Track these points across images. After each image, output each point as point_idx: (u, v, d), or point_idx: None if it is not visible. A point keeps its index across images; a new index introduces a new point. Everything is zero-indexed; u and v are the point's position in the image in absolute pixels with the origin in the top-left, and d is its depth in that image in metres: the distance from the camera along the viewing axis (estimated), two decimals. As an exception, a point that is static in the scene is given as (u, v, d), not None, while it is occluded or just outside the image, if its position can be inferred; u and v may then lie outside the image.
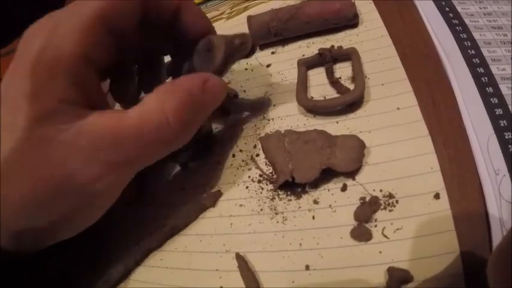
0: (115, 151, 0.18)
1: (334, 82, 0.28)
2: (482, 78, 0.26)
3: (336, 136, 0.25)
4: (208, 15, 0.40)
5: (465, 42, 0.29)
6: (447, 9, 0.32)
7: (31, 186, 0.17)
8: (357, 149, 0.24)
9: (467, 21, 0.30)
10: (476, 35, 0.29)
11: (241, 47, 0.25)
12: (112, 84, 0.26)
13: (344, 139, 0.24)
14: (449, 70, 0.27)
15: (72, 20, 0.18)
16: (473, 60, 0.27)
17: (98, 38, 0.19)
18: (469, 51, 0.28)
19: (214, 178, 0.27)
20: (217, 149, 0.28)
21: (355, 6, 0.30)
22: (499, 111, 0.24)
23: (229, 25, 0.39)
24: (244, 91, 0.31)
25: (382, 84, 0.27)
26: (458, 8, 0.32)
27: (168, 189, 0.28)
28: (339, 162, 0.23)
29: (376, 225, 0.21)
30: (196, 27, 0.24)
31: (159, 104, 0.19)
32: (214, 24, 0.40)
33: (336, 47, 0.30)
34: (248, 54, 0.26)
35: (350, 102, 0.26)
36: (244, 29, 0.35)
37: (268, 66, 0.32)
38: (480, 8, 0.31)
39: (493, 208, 0.20)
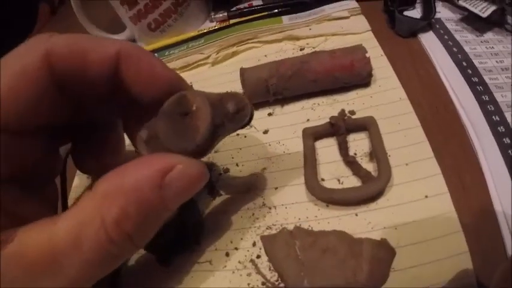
0: (54, 276, 0.15)
1: (350, 162, 0.23)
2: (510, 151, 0.24)
3: (359, 241, 0.20)
4: (190, 59, 0.35)
5: (488, 106, 0.26)
6: (464, 64, 0.30)
7: None
8: (386, 262, 0.19)
9: (486, 79, 0.28)
10: (498, 96, 0.27)
11: (235, 116, 0.18)
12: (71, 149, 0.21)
13: (371, 247, 0.20)
14: (475, 140, 0.25)
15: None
16: (499, 128, 0.25)
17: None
18: (494, 117, 0.26)
19: (203, 283, 0.21)
20: (206, 243, 0.23)
21: (371, 63, 0.27)
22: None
23: (215, 72, 0.34)
24: (237, 164, 0.26)
25: (406, 164, 0.24)
26: (476, 63, 0.30)
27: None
28: (367, 278, 0.19)
29: None
30: (150, 84, 0.18)
31: (97, 214, 0.15)
32: (197, 71, 0.36)
33: (347, 112, 0.26)
34: (243, 125, 0.19)
35: (373, 195, 0.21)
36: (234, 78, 0.31)
37: (265, 132, 0.27)
38: (497, 62, 0.29)
39: None
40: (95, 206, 0.15)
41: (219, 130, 0.17)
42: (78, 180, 0.30)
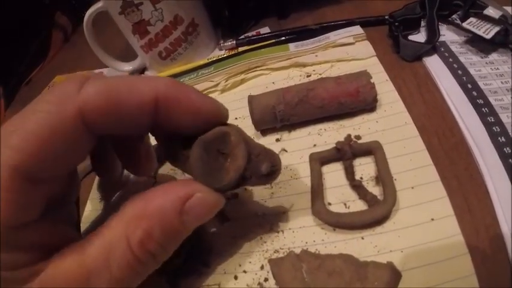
0: None
1: (357, 186, 0.25)
2: None
3: (365, 264, 0.22)
4: (200, 87, 0.38)
5: (494, 128, 0.28)
6: (469, 86, 0.31)
7: None
8: (392, 284, 0.21)
9: (492, 100, 0.30)
10: (503, 117, 0.28)
11: (264, 177, 0.20)
12: (94, 163, 0.24)
13: (376, 270, 0.21)
14: (481, 162, 0.26)
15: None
16: (505, 149, 0.26)
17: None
18: (499, 138, 0.27)
19: (211, 308, 0.23)
20: (215, 266, 0.25)
21: (375, 88, 0.29)
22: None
23: (225, 100, 0.36)
24: (245, 189, 0.28)
25: (412, 188, 0.25)
26: (481, 84, 0.31)
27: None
28: (372, 301, 0.20)
29: None
30: (190, 120, 0.19)
31: (124, 235, 0.17)
32: (207, 98, 0.38)
33: (353, 137, 0.28)
34: (268, 181, 0.22)
35: (379, 219, 0.23)
36: (242, 105, 0.33)
37: (273, 158, 0.29)
38: (502, 83, 0.31)
39: None
40: (122, 228, 0.17)
41: (245, 181, 0.20)
42: (91, 205, 0.32)
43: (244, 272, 0.24)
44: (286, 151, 0.30)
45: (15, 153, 0.15)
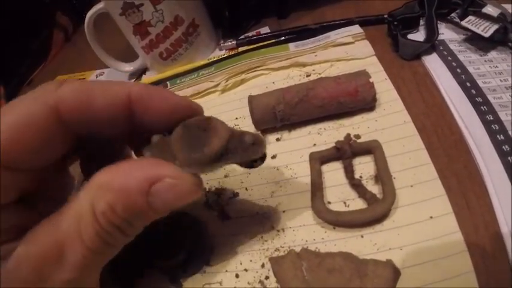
0: (60, 267, 0.16)
1: (356, 185, 0.25)
2: None
3: (365, 262, 0.22)
4: (200, 87, 0.38)
5: (493, 126, 0.28)
6: (468, 84, 0.31)
7: None
8: (391, 281, 0.21)
9: (490, 98, 0.30)
10: (502, 115, 0.28)
11: (250, 148, 0.20)
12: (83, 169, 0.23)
13: (376, 267, 0.21)
14: (480, 160, 0.26)
15: None
16: (503, 147, 0.26)
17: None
18: (498, 136, 0.27)
19: (212, 305, 0.24)
20: (216, 264, 0.25)
21: (374, 87, 0.29)
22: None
23: (225, 100, 0.37)
24: (246, 189, 0.29)
25: (411, 186, 0.25)
26: (479, 83, 0.31)
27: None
28: (372, 298, 0.20)
29: None
30: (165, 118, 0.20)
31: (89, 205, 0.17)
32: (207, 98, 0.39)
33: (352, 136, 0.28)
34: (255, 163, 0.21)
35: (378, 217, 0.23)
36: (242, 105, 0.34)
37: (273, 157, 0.30)
38: (501, 81, 0.31)
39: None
40: (89, 197, 0.17)
41: (230, 154, 0.19)
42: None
43: (245, 270, 0.24)
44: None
45: None
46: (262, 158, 0.22)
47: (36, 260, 0.16)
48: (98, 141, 0.21)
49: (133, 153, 0.25)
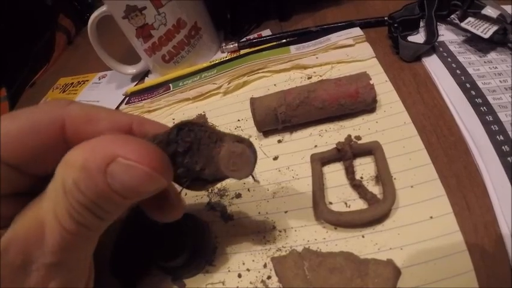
0: (41, 248, 0.16)
1: (357, 185, 0.26)
2: None
3: (366, 261, 0.22)
4: (203, 89, 0.39)
5: (492, 126, 0.28)
6: (468, 85, 0.32)
7: None
8: (392, 280, 0.21)
9: (490, 99, 0.30)
10: (502, 116, 0.29)
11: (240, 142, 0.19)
12: None
13: (377, 267, 0.22)
14: (480, 161, 0.26)
15: None
16: (503, 148, 0.27)
17: None
18: (498, 137, 0.27)
19: (215, 304, 0.24)
20: (218, 264, 0.26)
21: (375, 89, 0.29)
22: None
23: (227, 102, 0.37)
24: (248, 190, 0.29)
25: (412, 187, 0.26)
26: (479, 84, 0.32)
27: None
28: (372, 297, 0.21)
29: None
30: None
31: (60, 182, 0.16)
32: (210, 100, 0.39)
33: (353, 137, 0.29)
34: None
35: (379, 218, 0.24)
36: (244, 107, 0.34)
37: (275, 158, 0.30)
38: (501, 82, 0.31)
39: None
40: (60, 174, 0.16)
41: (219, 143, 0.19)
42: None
43: (248, 270, 0.25)
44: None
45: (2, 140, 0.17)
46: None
47: (21, 242, 0.16)
48: None
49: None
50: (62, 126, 0.18)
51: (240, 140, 0.19)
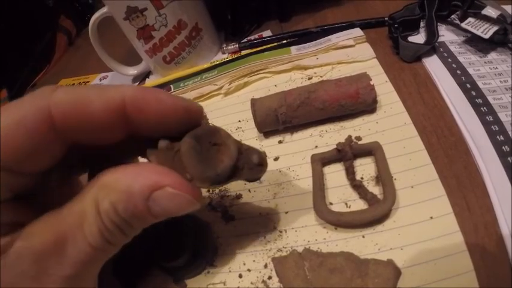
0: (61, 261, 0.17)
1: (357, 186, 0.26)
2: None
3: (366, 261, 0.23)
4: (204, 90, 0.39)
5: (492, 127, 0.28)
6: (468, 85, 0.32)
7: None
8: (392, 280, 0.22)
9: (490, 99, 0.30)
10: (502, 116, 0.29)
11: (255, 168, 0.21)
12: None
13: (377, 267, 0.22)
14: (480, 161, 0.26)
15: None
16: (503, 148, 0.27)
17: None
18: (498, 137, 0.28)
19: (216, 305, 0.24)
20: (220, 264, 0.26)
21: (375, 90, 0.29)
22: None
23: (228, 103, 0.38)
24: (249, 191, 0.29)
25: (412, 187, 0.26)
26: (480, 84, 0.32)
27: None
28: (373, 297, 0.21)
29: None
30: (163, 120, 0.19)
31: (94, 201, 0.17)
32: (211, 101, 0.40)
33: (353, 138, 0.29)
34: (256, 179, 0.22)
35: (379, 218, 0.24)
36: (245, 108, 0.34)
37: (276, 159, 0.31)
38: (501, 82, 0.32)
39: None
40: (94, 194, 0.17)
41: (237, 172, 0.20)
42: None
43: (249, 270, 0.25)
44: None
45: None
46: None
47: (37, 252, 0.17)
48: (97, 147, 0.21)
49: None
50: (49, 115, 0.17)
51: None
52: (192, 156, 0.18)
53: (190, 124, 0.20)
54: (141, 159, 0.25)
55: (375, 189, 0.26)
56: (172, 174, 0.18)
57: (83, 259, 0.17)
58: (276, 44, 0.42)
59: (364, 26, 0.40)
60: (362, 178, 0.27)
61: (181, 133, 0.19)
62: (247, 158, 0.20)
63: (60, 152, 0.19)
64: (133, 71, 0.47)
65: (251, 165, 0.20)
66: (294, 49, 0.39)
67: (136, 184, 0.17)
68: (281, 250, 0.25)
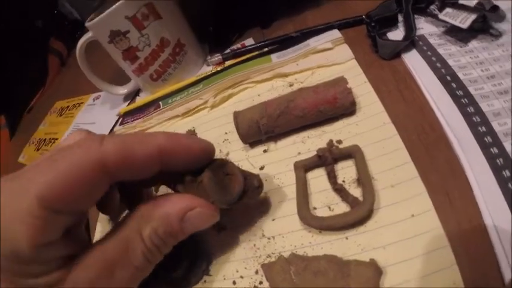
0: (110, 283, 0.21)
1: (339, 189, 0.28)
2: (497, 160, 0.26)
3: (348, 263, 0.24)
4: (191, 105, 0.41)
5: (473, 118, 0.29)
6: (448, 78, 0.32)
7: None
8: (373, 280, 0.23)
9: (471, 89, 0.31)
10: (484, 106, 0.29)
11: (256, 190, 0.27)
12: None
13: (358, 268, 0.24)
14: (461, 154, 0.27)
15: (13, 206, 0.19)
16: (485, 139, 0.27)
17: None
18: (480, 128, 0.28)
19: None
20: (215, 273, 0.28)
21: (352, 93, 0.31)
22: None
23: (214, 116, 0.39)
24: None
25: (392, 186, 0.27)
26: (460, 75, 0.32)
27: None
28: (355, 297, 0.23)
29: None
30: (189, 161, 0.24)
31: (137, 230, 0.22)
32: (198, 115, 0.42)
33: (334, 141, 0.31)
34: (254, 199, 0.28)
35: (360, 220, 0.26)
36: (231, 120, 0.36)
37: (261, 168, 0.32)
38: (482, 71, 0.32)
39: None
40: (136, 224, 0.22)
41: (244, 194, 0.25)
42: (101, 226, 0.36)
43: (241, 277, 0.27)
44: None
45: (46, 188, 0.19)
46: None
47: (92, 281, 0.20)
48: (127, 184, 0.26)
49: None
50: (102, 167, 0.20)
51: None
52: (212, 186, 0.24)
53: (206, 159, 0.25)
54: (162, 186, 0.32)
55: (356, 191, 0.28)
56: (198, 199, 0.23)
57: (129, 279, 0.22)
58: (257, 52, 0.43)
59: (343, 26, 0.40)
60: (343, 181, 0.29)
61: (199, 167, 0.24)
62: (250, 182, 0.26)
63: (104, 190, 0.22)
64: (123, 90, 0.50)
65: (253, 188, 0.26)
66: (274, 57, 0.41)
67: (173, 209, 0.22)
68: (270, 256, 0.27)
